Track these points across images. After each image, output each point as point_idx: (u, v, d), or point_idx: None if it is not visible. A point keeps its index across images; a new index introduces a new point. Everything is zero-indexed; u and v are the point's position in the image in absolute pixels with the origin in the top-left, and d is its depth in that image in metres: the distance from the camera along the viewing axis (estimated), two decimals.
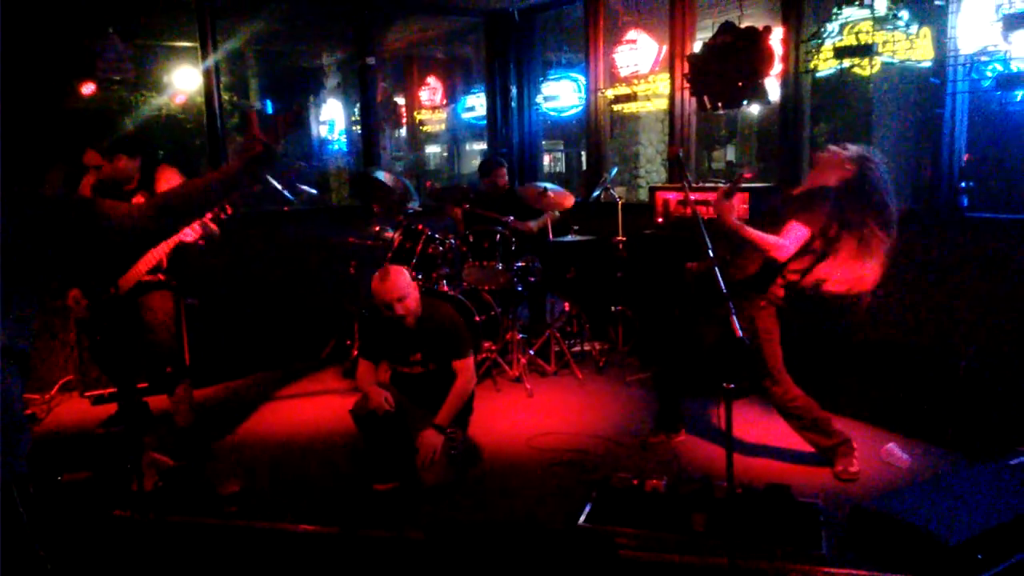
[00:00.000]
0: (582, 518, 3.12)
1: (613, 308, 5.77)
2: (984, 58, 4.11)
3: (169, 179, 4.14)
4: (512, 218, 5.33)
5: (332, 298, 6.11)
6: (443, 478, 3.53)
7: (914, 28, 4.35)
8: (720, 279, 2.54)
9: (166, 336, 4.09)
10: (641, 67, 6.14)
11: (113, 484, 3.72)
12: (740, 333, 2.40)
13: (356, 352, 5.53)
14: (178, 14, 6.95)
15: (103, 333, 4.21)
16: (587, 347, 5.74)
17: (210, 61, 5.94)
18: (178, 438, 4.11)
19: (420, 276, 5.14)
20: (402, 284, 3.60)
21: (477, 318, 5.02)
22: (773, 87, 5.00)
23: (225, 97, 8.53)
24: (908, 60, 4.37)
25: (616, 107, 6.44)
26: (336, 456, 4.03)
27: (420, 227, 5.34)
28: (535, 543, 2.79)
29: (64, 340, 5.19)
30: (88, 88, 7.31)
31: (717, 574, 2.78)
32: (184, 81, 8.59)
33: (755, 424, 4.22)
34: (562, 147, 8.24)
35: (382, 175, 6.03)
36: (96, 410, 4.82)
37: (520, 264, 5.44)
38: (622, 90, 6.25)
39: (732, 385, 2.50)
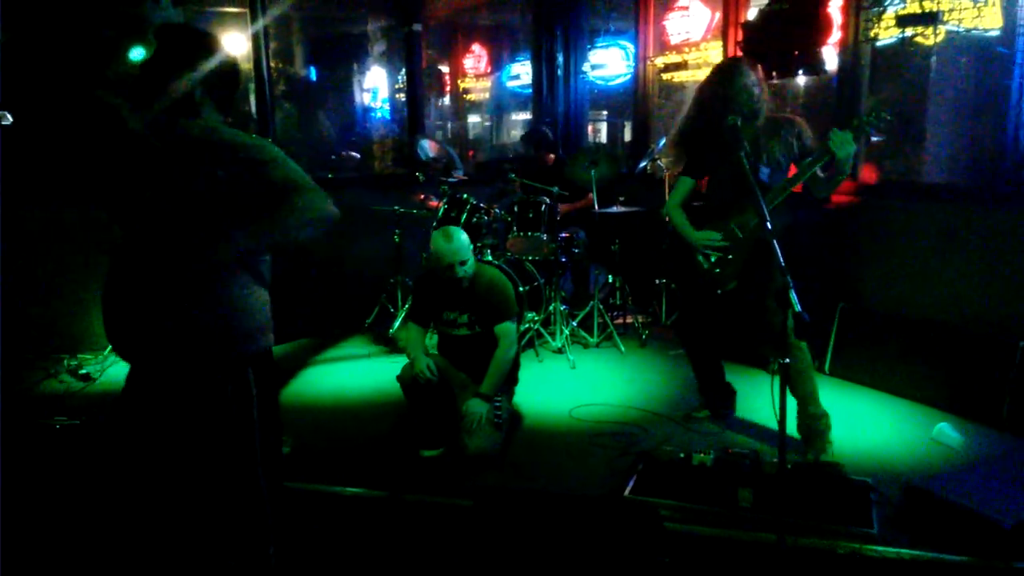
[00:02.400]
0: (627, 490, 3.12)
1: (657, 281, 5.72)
2: None
3: None
4: (558, 188, 5.28)
5: (376, 266, 6.14)
6: (487, 446, 3.55)
7: None
8: (779, 252, 2.47)
9: None
10: (693, 34, 6.00)
11: None
12: (799, 308, 2.34)
13: (397, 319, 5.58)
14: None
15: None
16: (629, 320, 5.70)
17: (259, 26, 5.95)
18: None
19: None
20: (465, 245, 3.63)
21: (520, 288, 5.01)
22: (830, 56, 4.86)
23: (272, 64, 8.57)
24: (975, 28, 4.20)
25: (666, 76, 6.32)
26: (382, 421, 4.07)
27: (465, 196, 5.32)
28: (581, 513, 2.80)
29: None
30: (137, 53, 7.37)
31: (764, 550, 2.76)
32: (232, 47, 8.65)
33: None
34: (606, 116, 8.12)
35: (427, 144, 6.01)
36: None
37: (564, 235, 5.40)
38: (672, 58, 6.13)
39: (787, 360, 2.46)
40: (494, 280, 3.79)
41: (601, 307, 5.41)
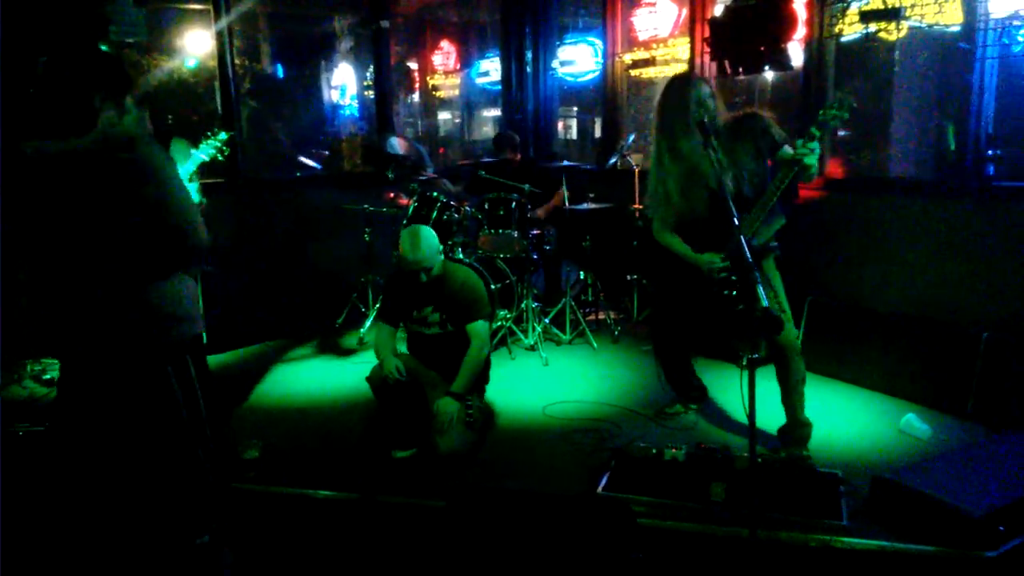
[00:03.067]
0: (600, 486, 3.12)
1: (628, 277, 5.74)
2: (1016, 23, 4.00)
3: (180, 152, 4.12)
4: (528, 186, 5.27)
5: (347, 265, 6.09)
6: (459, 445, 3.54)
7: None
8: (746, 248, 2.49)
9: None
10: (660, 31, 6.02)
11: None
12: (766, 303, 2.36)
13: (368, 319, 5.54)
14: None
15: None
16: (602, 316, 5.71)
17: (223, 24, 5.86)
18: None
19: None
20: (427, 255, 3.59)
21: (492, 286, 5.00)
22: (796, 52, 4.90)
23: (237, 62, 8.45)
24: (937, 24, 4.26)
25: (634, 72, 6.34)
26: (354, 422, 4.03)
27: (435, 194, 5.29)
28: (554, 511, 2.79)
29: None
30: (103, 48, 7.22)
31: (736, 544, 2.77)
32: (196, 45, 8.51)
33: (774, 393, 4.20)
34: (576, 113, 8.13)
35: (395, 141, 5.98)
36: None
37: (535, 232, 5.40)
38: (640, 54, 6.15)
39: (756, 355, 2.47)
40: (466, 279, 3.77)
41: (573, 304, 5.41)
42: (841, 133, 5.14)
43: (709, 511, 2.90)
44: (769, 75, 5.74)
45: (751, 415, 2.44)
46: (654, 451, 3.23)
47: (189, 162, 3.75)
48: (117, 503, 2.41)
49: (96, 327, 2.24)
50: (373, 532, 3.12)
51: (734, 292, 3.39)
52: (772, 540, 2.75)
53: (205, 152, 3.81)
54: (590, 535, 2.72)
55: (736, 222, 2.64)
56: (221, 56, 5.96)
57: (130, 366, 2.29)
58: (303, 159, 6.56)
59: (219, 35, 5.95)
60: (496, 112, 8.41)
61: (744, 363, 4.30)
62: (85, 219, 2.21)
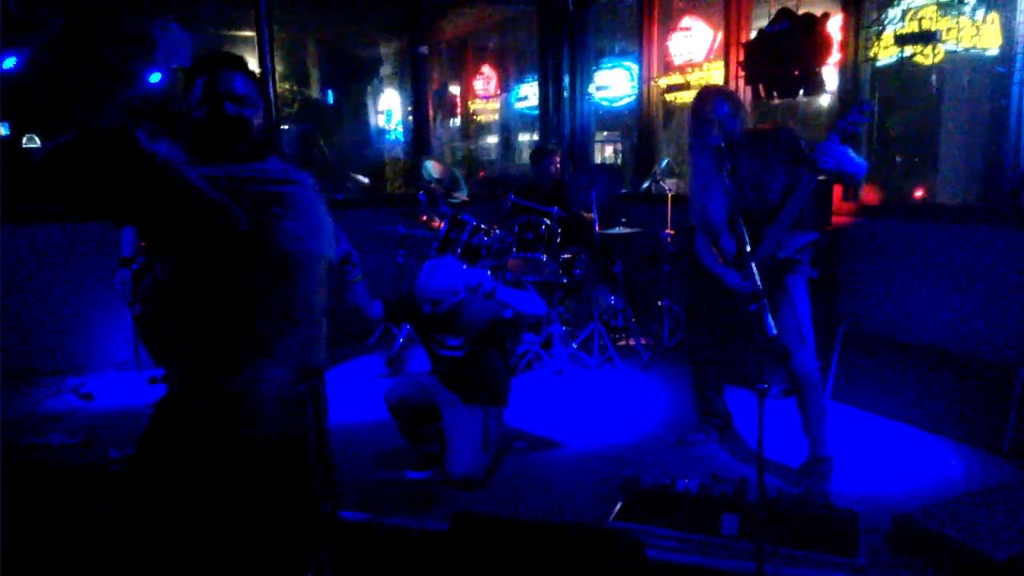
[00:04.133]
0: (612, 516, 3.08)
1: (660, 303, 5.67)
2: None
3: None
4: (556, 209, 5.27)
5: (380, 286, 6.15)
6: (472, 470, 3.52)
7: (980, 14, 4.12)
8: (756, 276, 2.44)
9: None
10: (695, 55, 5.99)
11: None
12: (774, 331, 2.31)
13: (399, 340, 5.58)
14: (236, 2, 7.09)
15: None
16: (631, 342, 5.65)
17: (265, 48, 6.03)
18: None
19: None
20: (447, 281, 3.57)
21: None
22: (831, 76, 4.83)
23: (286, 86, 8.68)
24: (974, 48, 4.15)
25: (669, 96, 6.31)
26: (378, 442, 4.05)
27: (465, 217, 5.32)
28: (560, 541, 2.76)
29: (123, 320, 5.36)
30: (156, 76, 7.52)
31: None
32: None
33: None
34: (615, 137, 8.12)
35: (431, 165, 6.04)
36: (152, 389, 4.97)
37: (566, 256, 5.38)
38: (675, 79, 6.12)
39: (765, 385, 2.42)
40: (485, 310, 3.72)
41: (602, 329, 5.37)
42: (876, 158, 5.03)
43: (719, 544, 2.83)
44: (824, 99, 5.66)
45: (759, 446, 2.38)
46: (667, 481, 3.16)
47: None
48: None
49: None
50: (380, 555, 3.12)
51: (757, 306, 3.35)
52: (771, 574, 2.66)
53: None
54: (597, 567, 2.68)
55: (748, 248, 2.61)
56: (263, 81, 6.13)
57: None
58: (355, 176, 6.69)
59: (261, 60, 6.13)
60: (534, 136, 8.46)
61: (776, 393, 4.26)
62: None
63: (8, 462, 3.69)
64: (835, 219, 4.75)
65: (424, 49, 6.66)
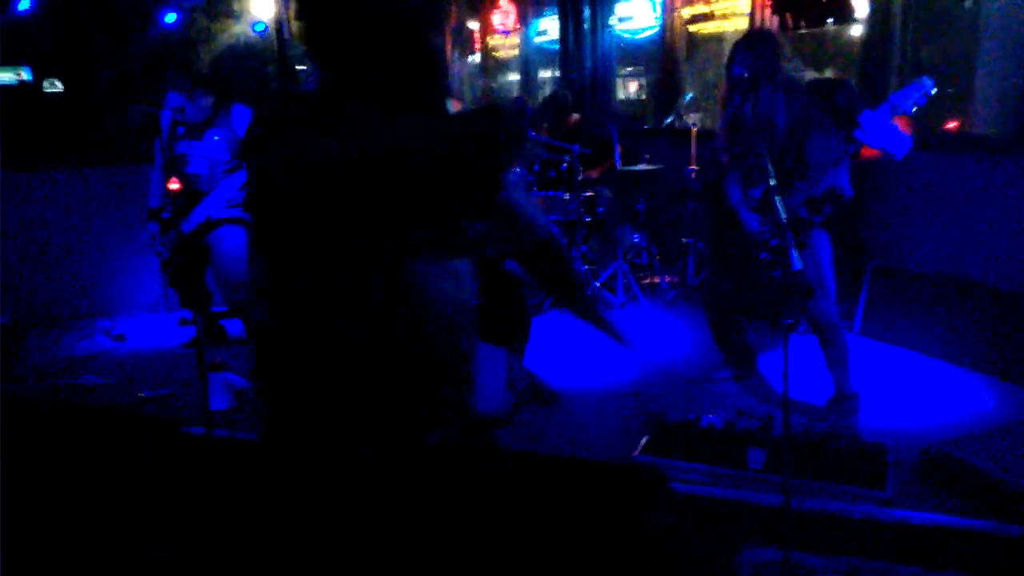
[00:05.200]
0: (637, 451, 3.10)
1: (684, 240, 5.61)
2: None
3: (246, 118, 4.19)
4: (578, 147, 5.19)
5: None
6: (496, 408, 3.54)
7: None
8: (780, 207, 2.39)
9: (238, 269, 4.19)
10: None
11: (191, 402, 3.91)
12: (799, 266, 2.27)
13: None
14: None
15: (176, 265, 4.34)
16: (655, 280, 5.62)
17: None
18: (245, 360, 4.25)
19: None
20: None
21: None
22: (861, 3, 4.65)
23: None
24: None
25: (692, 27, 6.13)
26: None
27: None
28: (585, 476, 2.79)
29: (152, 262, 5.40)
30: (171, 17, 7.41)
31: (774, 512, 2.71)
32: (261, 8, 8.64)
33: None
34: (639, 72, 7.92)
35: (450, 105, 5.95)
36: (182, 331, 5.04)
37: (588, 194, 5.32)
38: (700, 8, 5.94)
39: (791, 320, 2.39)
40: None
41: (626, 268, 5.33)
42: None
43: (745, 477, 2.85)
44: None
45: (784, 381, 2.36)
46: (691, 416, 3.17)
47: None
48: None
49: None
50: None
51: (770, 255, 3.32)
52: (811, 510, 2.68)
53: None
54: (622, 500, 2.71)
55: (772, 182, 2.55)
56: (279, 19, 6.04)
57: None
58: None
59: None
60: (555, 72, 8.31)
61: (803, 329, 4.23)
62: None
63: (45, 404, 3.77)
64: (864, 151, 4.62)
65: None
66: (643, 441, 3.16)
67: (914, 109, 2.95)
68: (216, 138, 4.18)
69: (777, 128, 3.20)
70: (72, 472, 3.17)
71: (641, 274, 5.63)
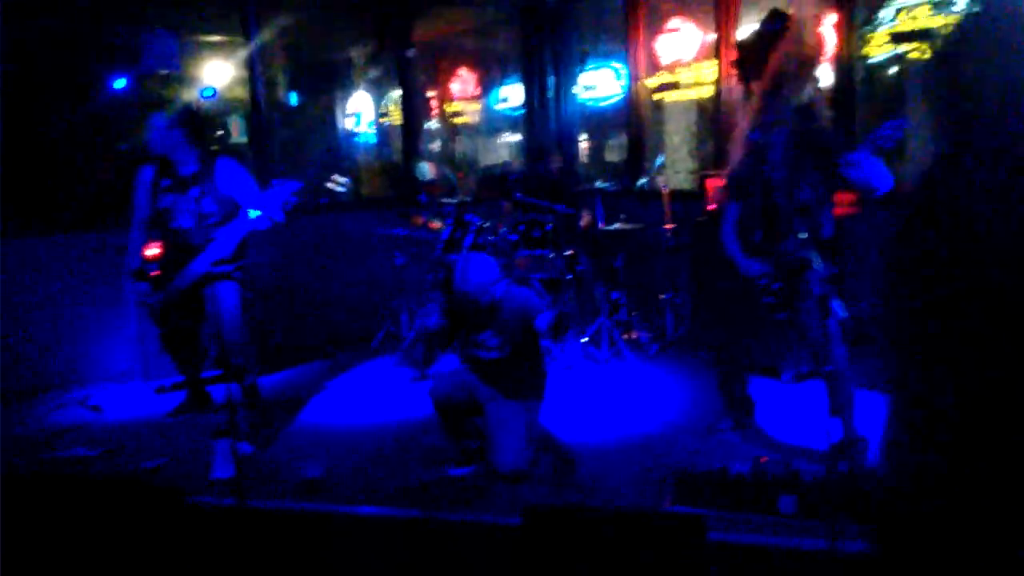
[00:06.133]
0: (667, 503, 3.15)
1: (662, 296, 5.79)
2: None
3: (229, 170, 4.19)
4: (563, 207, 5.34)
5: (378, 289, 6.15)
6: (519, 463, 3.56)
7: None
8: (818, 257, 2.54)
9: (234, 327, 4.13)
10: (684, 55, 6.13)
11: (189, 472, 3.78)
12: (844, 314, 2.41)
13: (404, 343, 5.59)
14: (213, 6, 6.96)
15: (171, 324, 4.25)
16: (635, 335, 5.75)
17: (253, 53, 5.98)
18: (247, 426, 4.15)
19: None
20: (484, 275, 3.61)
21: None
22: (825, 74, 5.00)
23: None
24: None
25: (657, 96, 6.45)
26: (403, 442, 4.06)
27: (469, 217, 5.35)
28: (628, 527, 2.82)
29: (124, 329, 5.24)
30: (121, 82, 7.33)
31: (812, 557, 2.80)
32: (215, 75, 8.63)
33: (818, 408, 4.24)
34: (602, 137, 8.21)
35: (425, 167, 6.06)
36: (160, 399, 4.87)
37: (568, 252, 5.46)
38: (666, 78, 6.26)
39: (806, 369, 2.52)
40: (521, 299, 3.75)
41: (610, 324, 5.45)
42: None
43: (784, 524, 2.93)
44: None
45: (830, 428, 2.47)
46: (718, 467, 3.25)
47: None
48: None
49: None
50: (436, 552, 3.14)
51: (774, 300, 3.49)
52: (854, 553, 2.77)
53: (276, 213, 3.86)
54: (664, 551, 2.74)
55: (786, 226, 2.68)
56: (253, 86, 6.06)
57: None
58: (337, 178, 6.65)
59: (250, 66, 6.06)
60: (515, 137, 8.54)
61: (789, 378, 4.39)
62: None
63: (38, 476, 3.58)
64: (836, 211, 4.91)
65: (412, 52, 6.67)
66: (669, 492, 3.21)
67: (890, 145, 3.18)
68: (200, 192, 4.16)
69: (781, 175, 3.39)
70: (76, 545, 3.02)
71: (621, 330, 5.76)
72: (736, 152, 3.61)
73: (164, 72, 6.23)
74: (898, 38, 4.59)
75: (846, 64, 4.92)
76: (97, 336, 5.29)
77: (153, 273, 4.19)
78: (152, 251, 4.33)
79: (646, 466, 3.68)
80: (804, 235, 3.32)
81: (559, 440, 3.97)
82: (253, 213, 3.95)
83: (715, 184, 5.32)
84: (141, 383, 5.07)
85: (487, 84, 8.68)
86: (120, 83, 7.41)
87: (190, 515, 3.35)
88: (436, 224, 5.76)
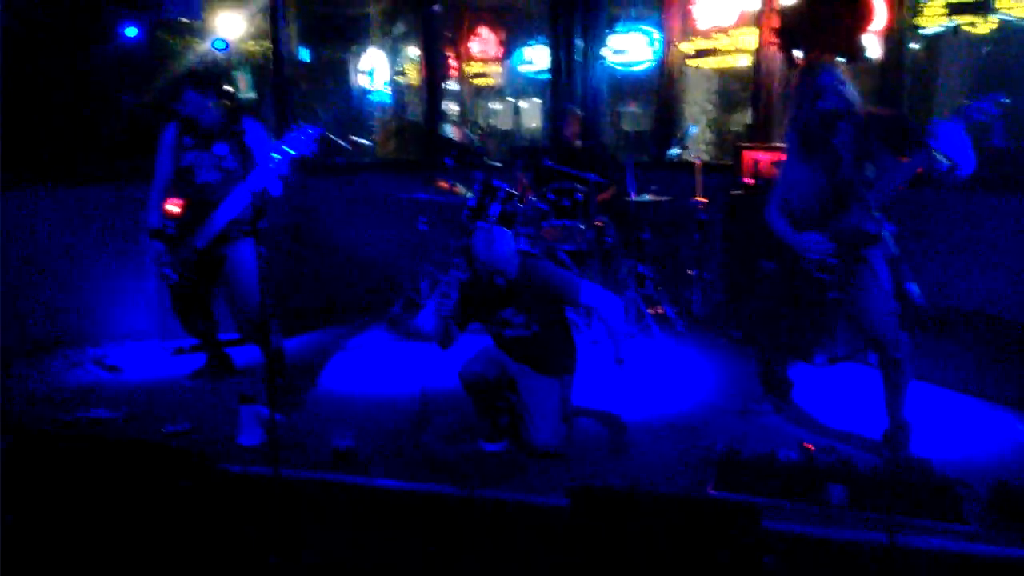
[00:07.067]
0: (710, 487, 3.06)
1: (690, 271, 5.66)
2: None
3: (256, 132, 4.03)
4: (595, 176, 5.18)
5: (401, 254, 6.02)
6: (555, 440, 3.47)
7: None
8: (892, 244, 2.41)
9: (253, 288, 3.99)
10: (723, 20, 5.91)
11: (212, 437, 3.69)
12: (922, 300, 2.29)
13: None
14: None
15: (184, 286, 4.11)
16: (661, 310, 5.63)
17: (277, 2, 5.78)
18: (271, 391, 4.03)
19: None
20: (506, 247, 3.45)
21: None
22: (872, 44, 4.81)
23: (257, 47, 8.28)
24: None
25: (692, 62, 6.25)
26: (433, 413, 3.97)
27: (497, 183, 5.18)
28: (678, 512, 2.73)
29: (141, 287, 5.11)
30: (132, 31, 7.11)
31: (866, 549, 2.71)
32: (226, 27, 8.38)
33: (856, 392, 4.15)
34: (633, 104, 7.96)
35: (449, 129, 5.89)
36: (178, 361, 4.76)
37: (597, 224, 5.31)
38: (701, 43, 6.05)
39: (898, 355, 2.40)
40: (550, 274, 3.61)
41: (638, 298, 5.33)
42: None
43: (835, 514, 2.84)
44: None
45: (890, 416, 2.36)
46: (766, 452, 3.16)
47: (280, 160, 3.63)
48: None
49: None
50: (478, 531, 3.05)
51: (830, 275, 3.35)
52: (906, 546, 2.68)
53: (297, 147, 3.65)
54: (717, 537, 2.66)
55: (850, 200, 2.54)
56: (275, 38, 5.88)
57: None
58: (355, 139, 6.46)
59: (273, 18, 5.88)
60: (537, 101, 8.32)
61: (824, 361, 4.29)
62: None
63: (63, 435, 3.48)
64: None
65: (438, 8, 6.44)
66: (713, 476, 3.12)
67: (986, 118, 2.96)
68: (225, 149, 4.02)
69: (856, 162, 3.23)
70: (103, 508, 2.94)
71: (647, 305, 5.63)
72: (794, 120, 3.44)
73: (184, 20, 6.01)
74: (954, 9, 4.39)
75: (896, 35, 4.72)
76: (114, 292, 5.17)
77: (170, 233, 4.06)
78: (173, 207, 4.20)
79: (682, 447, 3.58)
80: (873, 210, 3.16)
81: (601, 410, 3.85)
82: (275, 157, 3.72)
83: (752, 156, 5.16)
84: (159, 343, 4.95)
85: (510, 45, 8.45)
86: (131, 31, 7.19)
87: (221, 482, 3.27)
88: (460, 189, 5.60)
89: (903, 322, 3.20)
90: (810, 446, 3.20)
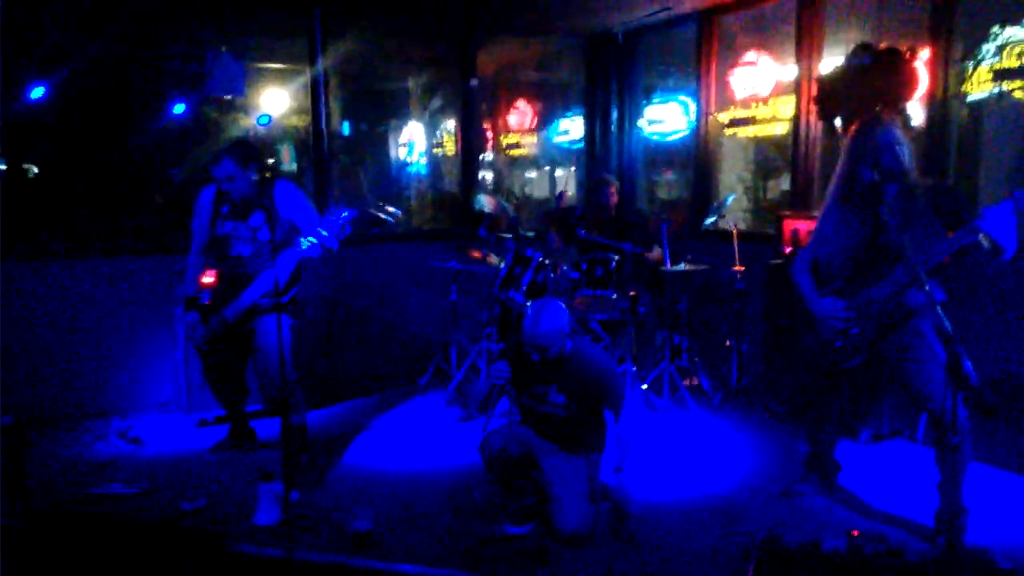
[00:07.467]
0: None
1: (728, 342, 5.46)
2: None
3: (288, 193, 4.03)
4: (631, 245, 5.07)
5: (430, 324, 5.95)
6: (583, 524, 3.27)
7: None
8: (945, 320, 2.24)
9: (274, 361, 3.92)
10: (760, 90, 5.85)
11: (229, 514, 3.57)
12: (977, 381, 2.10)
13: (453, 381, 5.34)
14: (281, 32, 6.92)
15: (217, 356, 4.07)
16: (696, 382, 5.42)
17: (319, 79, 5.91)
18: (290, 467, 3.92)
19: None
20: (557, 324, 3.27)
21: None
22: (916, 112, 4.68)
23: (300, 123, 8.46)
24: None
25: (729, 131, 6.18)
26: (454, 491, 3.80)
27: (530, 253, 5.10)
28: None
29: (168, 359, 5.09)
30: (179, 108, 7.32)
31: None
32: (271, 103, 8.61)
33: (904, 472, 3.89)
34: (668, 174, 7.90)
35: (484, 199, 5.85)
36: (202, 433, 4.68)
37: (632, 293, 5.17)
38: (739, 113, 5.98)
39: (957, 440, 2.21)
40: (599, 365, 3.40)
41: (673, 370, 5.14)
42: None
43: None
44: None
45: (947, 502, 2.15)
46: (808, 539, 2.92)
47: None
48: None
49: None
50: None
51: (846, 343, 3.20)
52: None
53: (331, 229, 3.66)
54: None
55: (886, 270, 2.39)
56: (316, 114, 6.00)
57: None
58: (390, 208, 6.49)
59: (314, 93, 6.00)
60: (572, 169, 8.32)
61: (869, 438, 4.04)
62: None
63: (76, 513, 3.39)
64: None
65: (475, 82, 6.52)
66: (751, 566, 2.88)
67: None
68: (260, 219, 4.01)
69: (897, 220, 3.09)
70: None
71: (682, 376, 5.43)
72: (843, 176, 3.32)
73: (227, 97, 6.16)
74: (1001, 75, 4.25)
75: (941, 102, 4.59)
76: (143, 364, 5.16)
77: (204, 303, 4.04)
78: (208, 278, 4.19)
79: (718, 531, 3.36)
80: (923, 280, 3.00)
81: (617, 489, 3.65)
82: (305, 243, 3.74)
83: (792, 225, 5.01)
84: (183, 415, 4.89)
85: (546, 116, 8.50)
86: (179, 108, 7.41)
87: (232, 564, 3.13)
88: (493, 259, 5.54)
89: (963, 403, 3.00)
90: (857, 532, 2.95)
